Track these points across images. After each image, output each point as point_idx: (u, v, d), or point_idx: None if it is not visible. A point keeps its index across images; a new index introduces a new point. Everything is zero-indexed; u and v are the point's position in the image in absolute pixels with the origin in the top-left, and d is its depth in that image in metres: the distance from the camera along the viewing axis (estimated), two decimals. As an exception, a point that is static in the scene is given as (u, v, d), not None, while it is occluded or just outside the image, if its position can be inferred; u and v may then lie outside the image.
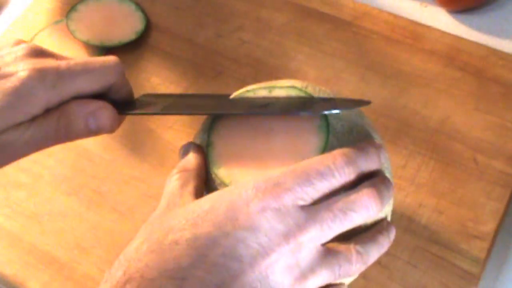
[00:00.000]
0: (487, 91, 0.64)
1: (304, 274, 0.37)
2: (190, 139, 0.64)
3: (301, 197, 0.37)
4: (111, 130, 0.47)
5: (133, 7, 0.73)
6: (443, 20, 0.71)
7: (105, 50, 0.71)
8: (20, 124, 0.43)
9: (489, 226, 0.56)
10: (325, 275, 0.38)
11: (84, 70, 0.46)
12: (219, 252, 0.36)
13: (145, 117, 0.67)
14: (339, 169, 0.38)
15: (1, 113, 0.42)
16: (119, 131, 0.66)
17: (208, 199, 0.39)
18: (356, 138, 0.43)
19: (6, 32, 0.75)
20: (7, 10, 0.81)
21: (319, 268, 0.38)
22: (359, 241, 0.40)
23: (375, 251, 0.40)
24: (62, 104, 0.45)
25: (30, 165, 0.65)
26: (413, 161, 0.61)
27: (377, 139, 0.45)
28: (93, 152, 0.65)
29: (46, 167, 0.65)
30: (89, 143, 0.66)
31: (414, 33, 0.68)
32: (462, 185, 0.59)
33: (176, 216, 0.39)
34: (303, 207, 0.37)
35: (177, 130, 0.65)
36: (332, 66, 0.67)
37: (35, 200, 0.63)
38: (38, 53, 0.46)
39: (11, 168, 0.64)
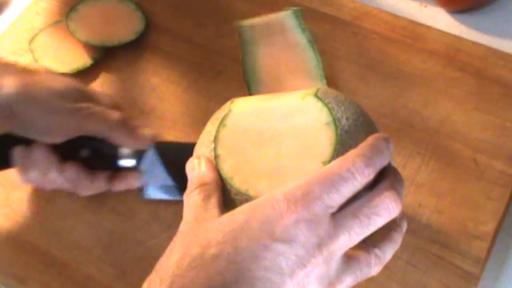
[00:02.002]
0: (487, 91, 0.64)
1: (332, 283, 0.39)
2: (190, 139, 0.64)
3: (329, 205, 0.38)
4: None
5: (133, 7, 0.73)
6: (443, 20, 0.71)
7: (105, 50, 0.71)
8: None
9: (489, 226, 0.56)
10: (348, 282, 0.39)
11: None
12: (262, 265, 0.37)
13: (143, 116, 0.67)
14: (359, 171, 0.39)
15: None
16: (119, 131, 0.66)
17: (241, 213, 0.39)
18: (362, 129, 0.43)
19: (6, 32, 0.75)
20: (7, 10, 0.81)
21: (344, 276, 0.39)
22: (376, 243, 0.41)
23: (391, 250, 0.41)
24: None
25: (30, 165, 0.65)
26: (413, 161, 0.61)
27: (377, 128, 0.46)
28: (93, 152, 0.65)
29: (46, 167, 0.64)
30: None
31: (414, 33, 0.68)
32: (462, 185, 0.59)
33: (211, 229, 0.39)
34: (331, 216, 0.38)
35: (177, 130, 0.65)
36: (332, 66, 0.67)
37: (35, 200, 0.63)
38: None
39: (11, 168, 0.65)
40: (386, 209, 0.39)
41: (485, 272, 0.56)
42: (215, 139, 0.45)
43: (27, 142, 0.57)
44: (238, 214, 0.39)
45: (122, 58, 0.71)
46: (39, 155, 0.56)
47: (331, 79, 0.66)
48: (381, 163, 0.40)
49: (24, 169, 0.57)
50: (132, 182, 0.59)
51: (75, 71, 0.69)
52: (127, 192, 0.62)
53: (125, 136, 0.57)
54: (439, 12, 0.72)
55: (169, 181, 0.59)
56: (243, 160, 0.43)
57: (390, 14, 0.70)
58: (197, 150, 0.47)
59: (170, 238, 0.58)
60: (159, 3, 0.75)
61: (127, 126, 0.57)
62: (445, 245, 0.56)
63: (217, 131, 0.45)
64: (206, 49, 0.71)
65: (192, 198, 0.43)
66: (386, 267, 0.46)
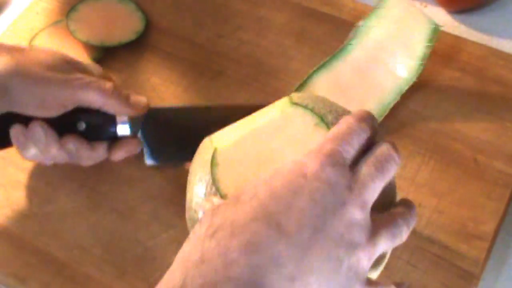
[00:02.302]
0: (487, 91, 0.64)
1: (372, 239, 0.38)
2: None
3: (345, 154, 0.39)
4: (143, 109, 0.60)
5: (133, 7, 0.73)
6: (443, 20, 0.71)
7: (105, 50, 0.71)
8: None
9: (489, 226, 0.56)
10: (383, 241, 0.39)
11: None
12: (302, 198, 0.37)
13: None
14: (355, 126, 0.41)
15: None
16: (119, 131, 0.66)
17: (267, 171, 0.40)
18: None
19: (6, 32, 0.75)
20: (7, 10, 0.81)
21: (380, 231, 0.39)
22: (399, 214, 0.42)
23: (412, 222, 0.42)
24: None
25: (30, 165, 0.65)
26: (413, 161, 0.61)
27: None
28: (93, 152, 0.65)
29: (46, 167, 0.64)
30: (89, 143, 0.66)
31: (414, 33, 0.68)
32: (462, 185, 0.59)
33: (239, 189, 0.40)
34: (350, 168, 0.39)
35: (177, 130, 0.65)
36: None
37: (35, 200, 0.63)
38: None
39: (11, 168, 0.65)
40: (391, 156, 0.41)
41: (485, 272, 0.56)
42: (214, 181, 0.44)
43: (25, 121, 0.57)
44: (263, 173, 0.40)
45: (122, 58, 0.71)
46: (38, 131, 0.57)
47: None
48: (372, 123, 0.42)
49: (24, 147, 0.58)
50: (131, 149, 0.60)
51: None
52: (127, 192, 0.62)
53: (120, 104, 0.58)
54: (439, 12, 0.72)
55: (166, 145, 0.61)
56: (237, 171, 0.43)
57: (390, 14, 0.70)
58: (196, 200, 0.46)
59: (170, 238, 0.59)
60: (159, 3, 0.75)
61: (120, 94, 0.58)
62: (445, 245, 0.56)
63: (213, 173, 0.44)
64: (206, 49, 0.71)
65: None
66: (386, 267, 0.46)
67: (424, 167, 0.60)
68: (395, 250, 0.49)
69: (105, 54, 0.71)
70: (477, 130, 0.62)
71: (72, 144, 0.58)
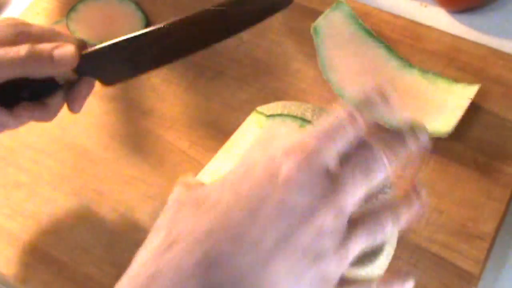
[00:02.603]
0: (487, 91, 0.64)
1: (345, 242, 0.36)
2: (190, 139, 0.64)
3: (326, 154, 0.36)
4: (73, 60, 0.53)
5: (133, 7, 0.73)
6: (443, 20, 0.71)
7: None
8: None
9: (489, 226, 0.56)
10: (361, 243, 0.37)
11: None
12: (268, 204, 0.34)
13: (143, 116, 0.67)
14: (345, 120, 0.37)
15: None
16: (120, 130, 0.66)
17: (241, 165, 0.37)
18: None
19: (6, 32, 0.75)
20: (7, 10, 0.81)
21: (356, 232, 0.36)
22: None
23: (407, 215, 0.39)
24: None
25: (30, 165, 0.65)
26: (413, 161, 0.61)
27: None
28: (93, 152, 0.65)
29: (46, 167, 0.64)
30: (89, 143, 0.66)
31: (414, 33, 0.68)
32: (462, 185, 0.59)
33: (210, 186, 0.38)
34: (330, 170, 0.36)
35: (176, 130, 0.65)
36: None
37: (35, 200, 0.63)
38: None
39: (11, 168, 0.65)
40: (380, 157, 0.37)
41: (485, 272, 0.56)
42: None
43: None
44: (237, 168, 0.37)
45: (122, 58, 0.71)
46: None
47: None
48: (371, 109, 0.38)
49: None
50: (87, 91, 0.57)
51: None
52: (127, 192, 0.62)
53: (45, 68, 0.53)
54: (439, 12, 0.72)
55: (117, 70, 0.58)
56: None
57: (390, 14, 0.70)
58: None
59: (170, 238, 0.59)
60: (159, 3, 0.75)
61: (41, 56, 0.52)
62: (445, 245, 0.56)
63: None
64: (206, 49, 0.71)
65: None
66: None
67: (424, 167, 0.60)
68: (395, 250, 0.49)
69: (105, 54, 0.71)
70: (477, 130, 0.62)
71: (27, 115, 0.54)
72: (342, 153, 0.37)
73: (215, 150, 0.63)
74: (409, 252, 0.55)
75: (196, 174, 0.62)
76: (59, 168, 0.64)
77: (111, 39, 0.70)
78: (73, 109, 0.56)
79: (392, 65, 0.65)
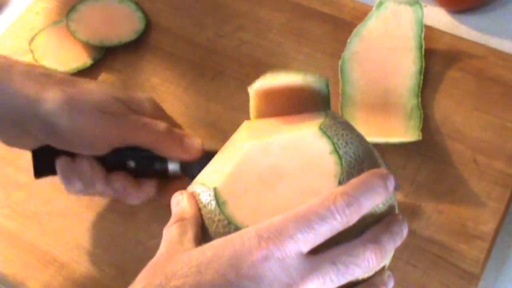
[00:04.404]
0: (487, 91, 0.64)
1: None
2: (190, 139, 0.64)
3: (303, 244, 0.37)
4: (197, 152, 0.55)
5: (133, 7, 0.73)
6: (443, 20, 0.71)
7: (105, 50, 0.71)
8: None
9: (489, 226, 0.56)
10: None
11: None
12: None
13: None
14: (339, 210, 0.37)
15: None
16: (119, 131, 0.66)
17: (211, 247, 0.38)
18: (366, 165, 0.42)
19: (6, 32, 0.75)
20: (7, 10, 0.81)
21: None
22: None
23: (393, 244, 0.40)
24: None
25: (30, 165, 0.65)
26: (413, 161, 0.61)
27: (383, 164, 0.44)
28: (93, 152, 0.65)
29: (46, 167, 0.64)
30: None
31: (414, 33, 0.68)
32: (462, 185, 0.59)
33: (178, 262, 0.38)
34: (306, 256, 0.37)
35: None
36: (332, 66, 0.67)
37: (35, 200, 0.63)
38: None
39: (11, 168, 0.65)
40: (366, 261, 0.38)
41: (485, 272, 0.56)
42: (229, 219, 0.41)
43: (73, 153, 0.54)
44: (207, 248, 0.38)
45: (122, 58, 0.71)
46: (84, 166, 0.54)
47: (331, 79, 0.66)
48: (369, 202, 0.38)
49: (69, 180, 0.55)
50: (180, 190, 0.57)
51: (75, 71, 0.69)
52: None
53: (173, 148, 0.54)
54: (439, 12, 0.72)
55: None
56: (247, 199, 0.42)
57: (390, 14, 0.70)
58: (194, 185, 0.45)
59: (170, 238, 0.58)
60: (159, 3, 0.75)
61: (174, 137, 0.54)
62: (445, 245, 0.56)
63: (224, 213, 0.42)
64: (206, 49, 0.71)
65: (169, 232, 0.42)
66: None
67: (424, 167, 0.60)
68: (395, 250, 0.49)
69: (105, 54, 0.71)
70: (477, 130, 0.62)
71: (119, 182, 0.54)
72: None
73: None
74: (409, 252, 0.56)
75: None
76: (59, 168, 0.64)
77: (111, 39, 0.71)
78: (163, 198, 0.56)
79: None
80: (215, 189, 0.42)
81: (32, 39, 0.72)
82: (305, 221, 0.37)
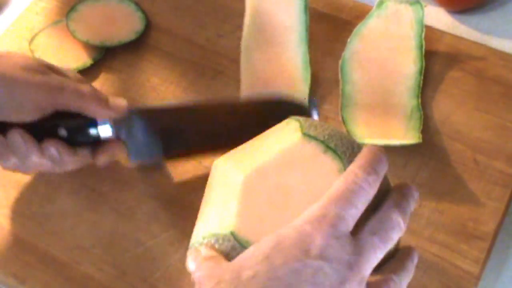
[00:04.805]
0: (487, 91, 0.64)
1: None
2: (190, 139, 0.64)
3: (351, 221, 0.39)
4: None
5: (133, 7, 0.73)
6: (443, 20, 0.71)
7: (105, 50, 0.71)
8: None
9: (489, 226, 0.56)
10: None
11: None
12: (302, 279, 0.37)
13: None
14: (365, 181, 0.40)
15: None
16: (119, 131, 0.66)
17: (267, 241, 0.38)
18: (358, 146, 0.44)
19: (6, 32, 0.75)
20: (7, 10, 0.81)
21: None
22: (393, 271, 0.41)
23: (406, 279, 0.42)
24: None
25: (30, 165, 0.65)
26: (413, 161, 0.61)
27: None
28: (93, 152, 0.65)
29: (46, 167, 0.64)
30: (89, 143, 0.66)
31: (414, 33, 0.68)
32: (462, 185, 0.59)
33: (238, 259, 0.39)
34: (353, 234, 0.39)
35: (177, 130, 0.65)
36: (332, 66, 0.67)
37: (35, 200, 0.63)
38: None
39: (11, 168, 0.64)
40: (396, 223, 0.40)
41: (485, 272, 0.56)
42: (232, 232, 0.41)
43: (2, 130, 0.55)
44: (264, 242, 0.39)
45: (122, 58, 0.71)
46: (16, 138, 0.55)
47: (331, 79, 0.66)
48: (381, 169, 0.41)
49: (2, 156, 0.56)
50: (114, 152, 0.58)
51: (75, 71, 0.69)
52: (127, 192, 0.62)
53: (100, 106, 0.56)
54: (439, 12, 0.72)
55: (150, 144, 0.59)
56: (264, 226, 0.41)
57: (390, 14, 0.70)
58: (196, 239, 0.43)
59: (170, 238, 0.59)
60: (159, 3, 0.75)
61: (100, 96, 0.57)
62: (445, 245, 0.56)
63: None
64: (206, 49, 0.71)
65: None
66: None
67: (424, 167, 0.60)
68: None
69: (105, 54, 0.71)
70: (477, 130, 0.62)
71: (54, 148, 0.55)
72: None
73: (215, 150, 0.63)
74: (409, 252, 0.55)
75: (195, 173, 0.62)
76: (59, 168, 0.64)
77: (111, 39, 0.71)
78: (98, 161, 0.58)
79: None
80: (232, 233, 0.41)
81: (32, 39, 0.72)
82: (344, 200, 0.39)
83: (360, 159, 0.41)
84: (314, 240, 0.37)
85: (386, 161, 0.42)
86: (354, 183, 0.39)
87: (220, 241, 0.41)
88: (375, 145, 0.42)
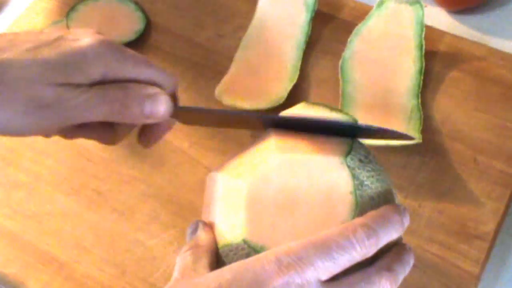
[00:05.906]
0: (487, 91, 0.64)
1: None
2: (190, 139, 0.64)
3: (322, 272, 0.37)
4: (163, 117, 0.45)
5: (133, 7, 0.73)
6: (443, 20, 0.71)
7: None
8: (78, 85, 0.42)
9: (489, 226, 0.56)
10: None
11: (146, 64, 0.46)
12: None
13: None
14: (359, 241, 0.37)
15: (64, 68, 0.42)
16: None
17: (230, 270, 0.37)
18: (383, 200, 0.42)
19: (6, 32, 0.75)
20: (7, 10, 0.81)
21: None
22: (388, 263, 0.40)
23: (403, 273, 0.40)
24: (120, 81, 0.44)
25: (30, 165, 0.65)
26: (413, 161, 0.61)
27: (397, 198, 0.44)
28: (93, 152, 0.65)
29: (46, 167, 0.64)
30: (89, 143, 0.66)
31: (414, 33, 0.68)
32: (462, 185, 0.59)
33: (196, 285, 0.38)
34: (324, 283, 0.37)
35: (177, 129, 0.65)
36: (332, 66, 0.67)
37: (35, 200, 0.63)
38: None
39: (11, 168, 0.65)
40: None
41: (485, 272, 0.56)
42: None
43: None
44: (226, 271, 0.38)
45: (122, 58, 0.71)
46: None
47: (331, 79, 0.66)
48: (387, 236, 0.39)
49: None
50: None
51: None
52: (127, 192, 0.62)
53: (132, 114, 0.44)
54: (439, 12, 0.72)
55: None
56: (262, 222, 0.41)
57: (390, 14, 0.70)
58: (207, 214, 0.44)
59: (170, 238, 0.59)
60: (159, 3, 0.75)
61: (133, 96, 0.44)
62: (445, 245, 0.56)
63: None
64: (206, 49, 0.71)
65: (183, 258, 0.41)
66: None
67: (424, 167, 0.60)
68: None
69: (105, 54, 0.71)
70: (477, 130, 0.62)
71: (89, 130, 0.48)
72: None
73: (215, 150, 0.63)
74: (409, 252, 0.56)
75: (195, 173, 0.62)
76: (59, 168, 0.64)
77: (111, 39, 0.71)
78: (146, 143, 0.50)
79: None
80: (245, 241, 0.40)
81: (32, 39, 0.72)
82: (326, 249, 0.37)
83: (370, 218, 0.39)
84: (272, 282, 0.36)
85: (401, 226, 0.39)
86: (347, 239, 0.37)
87: (234, 251, 0.41)
88: (398, 207, 0.40)
